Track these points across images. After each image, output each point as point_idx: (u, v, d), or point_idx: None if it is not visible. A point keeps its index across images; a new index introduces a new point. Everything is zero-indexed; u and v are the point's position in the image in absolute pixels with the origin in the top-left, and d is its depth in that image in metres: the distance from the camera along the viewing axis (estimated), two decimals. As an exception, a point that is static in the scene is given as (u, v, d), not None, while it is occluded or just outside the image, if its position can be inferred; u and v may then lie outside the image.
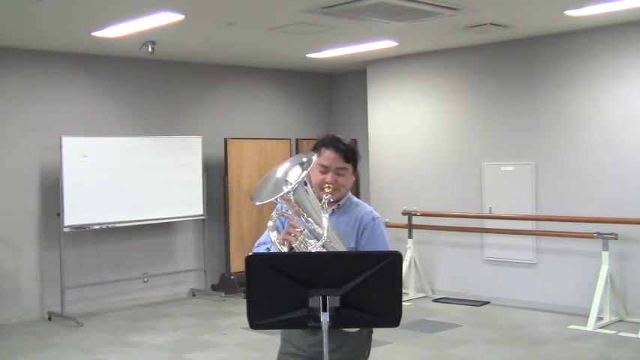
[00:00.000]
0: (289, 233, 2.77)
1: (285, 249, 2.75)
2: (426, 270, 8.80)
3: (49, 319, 7.86)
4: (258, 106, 9.91)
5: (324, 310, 2.43)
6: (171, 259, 9.04)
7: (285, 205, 2.80)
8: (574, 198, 7.60)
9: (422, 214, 8.60)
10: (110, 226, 8.13)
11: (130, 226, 8.34)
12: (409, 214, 8.67)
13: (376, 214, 3.02)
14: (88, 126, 8.26)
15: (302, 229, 2.78)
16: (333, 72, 10.49)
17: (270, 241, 2.83)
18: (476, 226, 8.34)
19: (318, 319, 2.44)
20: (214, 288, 9.18)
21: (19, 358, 6.50)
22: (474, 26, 7.15)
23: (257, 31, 7.14)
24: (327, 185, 2.90)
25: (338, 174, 2.94)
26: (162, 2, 5.87)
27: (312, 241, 2.76)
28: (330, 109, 10.77)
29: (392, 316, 2.52)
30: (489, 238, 8.32)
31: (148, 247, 8.77)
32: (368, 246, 2.92)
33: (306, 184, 2.75)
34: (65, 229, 7.73)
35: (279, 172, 2.81)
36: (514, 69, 8.12)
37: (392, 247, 2.79)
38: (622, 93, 7.32)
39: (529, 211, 7.89)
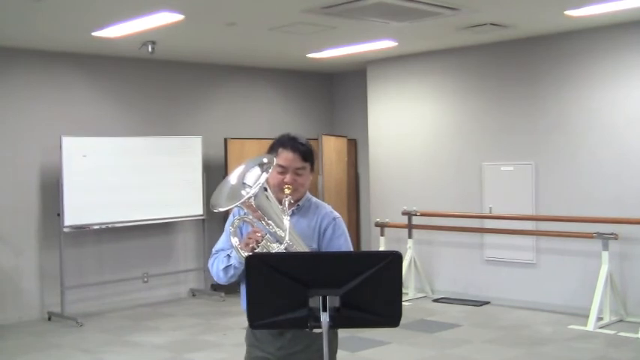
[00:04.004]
0: (251, 238, 2.76)
1: (246, 254, 2.71)
2: (426, 270, 8.80)
3: (49, 319, 7.86)
4: (258, 106, 9.91)
5: (324, 310, 2.43)
6: (171, 259, 9.04)
7: (245, 210, 2.78)
8: (574, 198, 7.60)
9: (422, 214, 8.60)
10: (110, 226, 8.13)
11: (130, 226, 8.34)
12: (409, 214, 8.66)
13: (336, 214, 3.01)
14: (88, 126, 8.26)
15: (263, 233, 2.76)
16: (333, 72, 10.49)
17: (231, 247, 2.82)
18: (476, 226, 8.34)
19: (318, 319, 2.44)
20: (214, 288, 9.17)
21: (19, 358, 6.51)
22: (474, 26, 7.15)
23: (257, 31, 7.14)
24: (286, 186, 2.88)
25: (296, 174, 2.92)
26: (162, 2, 5.87)
27: (274, 244, 2.75)
28: (330, 109, 10.77)
29: (392, 316, 2.52)
30: (489, 238, 8.31)
31: (148, 247, 8.77)
32: (331, 246, 2.92)
33: (266, 189, 2.74)
34: (65, 229, 7.73)
35: (234, 179, 2.79)
36: (514, 69, 8.11)
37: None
38: (622, 93, 7.32)
39: (529, 211, 7.89)
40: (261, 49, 8.34)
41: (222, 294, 8.81)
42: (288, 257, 2.64)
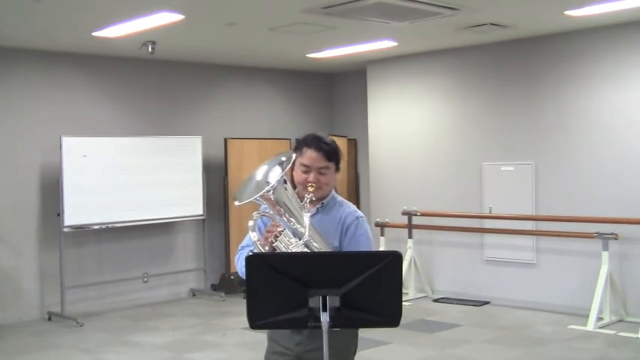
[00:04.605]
0: (270, 232, 2.79)
1: (266, 249, 2.76)
2: (426, 270, 8.80)
3: (49, 319, 7.86)
4: (258, 106, 9.91)
5: (324, 310, 2.43)
6: (171, 259, 9.04)
7: (266, 205, 2.83)
8: (574, 198, 7.60)
9: (422, 214, 8.60)
10: (110, 226, 8.13)
11: (130, 226, 8.33)
12: (409, 214, 8.66)
13: (360, 213, 3.03)
14: (88, 126, 8.26)
15: (282, 228, 2.79)
16: (333, 72, 10.49)
17: (252, 243, 2.84)
18: (476, 226, 8.34)
19: (318, 319, 2.44)
20: (214, 288, 9.18)
21: (19, 358, 6.50)
22: (474, 26, 7.15)
23: (257, 31, 7.14)
24: (309, 184, 2.91)
25: (320, 173, 2.95)
26: (162, 2, 5.87)
27: (293, 240, 2.77)
28: (330, 109, 10.77)
29: (392, 316, 2.52)
30: (489, 238, 8.32)
31: (148, 247, 8.77)
32: (351, 245, 2.93)
33: (285, 182, 2.78)
34: (65, 229, 7.73)
35: (259, 175, 2.83)
36: (514, 69, 8.11)
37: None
38: (622, 93, 7.32)
39: (529, 211, 7.89)
40: (261, 49, 8.34)
41: (222, 294, 8.81)
42: (288, 257, 2.64)
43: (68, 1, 5.78)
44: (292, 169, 2.99)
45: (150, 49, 7.54)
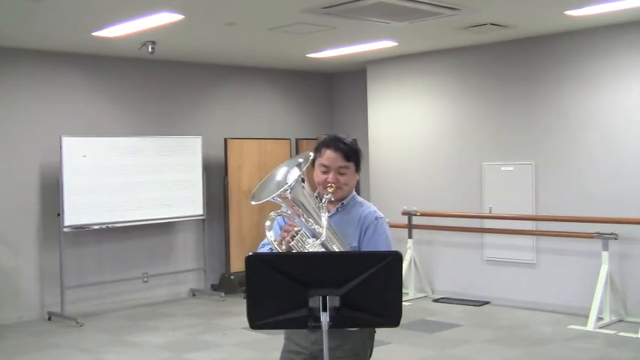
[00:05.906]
0: (286, 231, 2.79)
1: (283, 248, 2.77)
2: (426, 270, 8.80)
3: (49, 319, 7.86)
4: (258, 106, 9.91)
5: (324, 310, 2.43)
6: (171, 259, 9.04)
7: (284, 205, 2.84)
8: (574, 198, 7.60)
9: (422, 214, 8.60)
10: (110, 226, 8.13)
11: (130, 226, 8.34)
12: (409, 214, 8.66)
13: (380, 213, 3.03)
14: (88, 126, 8.26)
15: (299, 227, 2.80)
16: (333, 72, 10.49)
17: (269, 242, 2.86)
18: (476, 226, 8.34)
19: (318, 319, 2.44)
20: (214, 288, 9.18)
21: (19, 358, 6.50)
22: (474, 26, 7.15)
23: (257, 31, 7.14)
24: (329, 184, 2.93)
25: (339, 173, 2.97)
26: (162, 2, 5.87)
27: (310, 240, 2.78)
28: (330, 109, 10.77)
29: (392, 316, 2.52)
30: (489, 238, 8.32)
31: (148, 247, 8.77)
32: (370, 245, 2.93)
33: (303, 180, 2.78)
34: (65, 229, 7.73)
35: (279, 175, 2.85)
36: (514, 69, 8.12)
37: (393, 247, 2.80)
38: (622, 93, 7.32)
39: (529, 211, 7.89)
40: (261, 49, 8.34)
41: (222, 294, 8.81)
42: (288, 257, 2.65)
43: (68, 1, 5.78)
44: (313, 170, 3.01)
45: (150, 49, 7.54)
